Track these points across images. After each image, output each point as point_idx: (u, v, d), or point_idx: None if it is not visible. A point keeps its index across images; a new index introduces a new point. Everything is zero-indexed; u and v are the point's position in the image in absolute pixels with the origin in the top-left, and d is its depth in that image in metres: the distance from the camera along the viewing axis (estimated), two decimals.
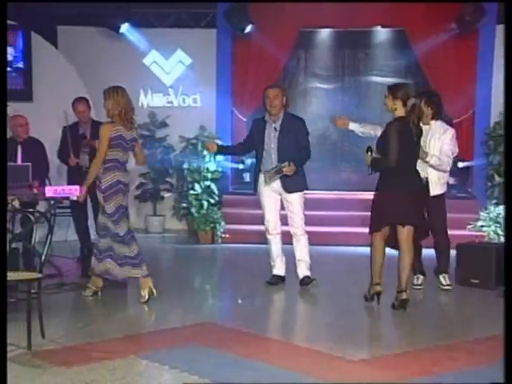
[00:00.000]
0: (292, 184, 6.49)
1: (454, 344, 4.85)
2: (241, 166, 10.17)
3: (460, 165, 9.64)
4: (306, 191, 6.66)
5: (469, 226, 9.04)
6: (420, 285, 6.59)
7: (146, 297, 5.92)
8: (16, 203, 5.14)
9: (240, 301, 6.47)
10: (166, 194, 10.36)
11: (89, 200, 7.12)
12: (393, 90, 5.74)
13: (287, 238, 6.63)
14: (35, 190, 6.65)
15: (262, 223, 6.76)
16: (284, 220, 6.68)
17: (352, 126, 6.51)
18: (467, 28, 9.61)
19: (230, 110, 10.38)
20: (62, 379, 4.03)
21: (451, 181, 9.84)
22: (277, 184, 6.53)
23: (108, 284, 6.30)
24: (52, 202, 6.73)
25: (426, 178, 6.38)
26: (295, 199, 6.52)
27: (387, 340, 5.10)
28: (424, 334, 5.21)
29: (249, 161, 10.30)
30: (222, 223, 9.30)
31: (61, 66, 9.18)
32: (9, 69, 8.68)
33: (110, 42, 10.08)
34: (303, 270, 6.58)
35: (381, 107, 11.22)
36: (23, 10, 9.14)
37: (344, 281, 7.07)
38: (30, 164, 7.00)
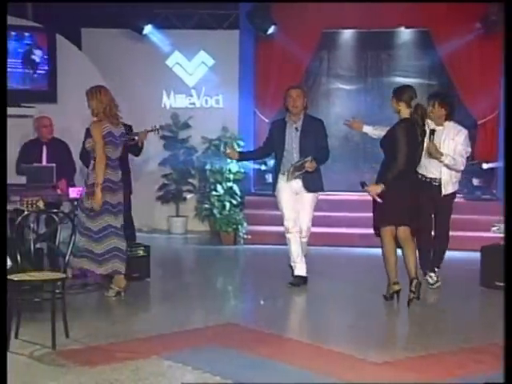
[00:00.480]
0: (312, 184, 6.56)
1: (479, 347, 4.82)
2: (263, 167, 10.17)
3: (485, 166, 9.57)
4: (321, 193, 6.73)
5: (493, 228, 8.91)
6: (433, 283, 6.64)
7: (113, 294, 6.04)
8: (40, 204, 5.19)
9: (262, 302, 6.47)
10: (189, 195, 10.38)
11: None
12: (396, 92, 6.00)
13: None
14: (59, 191, 6.71)
15: (282, 224, 6.78)
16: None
17: (366, 128, 6.66)
18: (492, 28, 9.52)
19: (253, 112, 10.38)
20: (85, 379, 4.06)
21: (476, 182, 9.76)
22: (296, 183, 6.55)
23: (132, 284, 6.35)
24: (75, 203, 6.81)
25: (440, 179, 6.51)
26: (310, 199, 6.59)
27: (411, 342, 5.06)
28: (448, 336, 5.16)
29: (271, 162, 10.29)
30: (244, 224, 9.31)
31: (85, 67, 9.24)
32: (32, 70, 8.79)
33: (133, 43, 10.13)
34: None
35: None
36: (48, 13, 9.23)
37: (366, 282, 7.03)
38: (54, 165, 7.08)
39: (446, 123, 6.54)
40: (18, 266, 4.77)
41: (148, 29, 9.99)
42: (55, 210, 5.70)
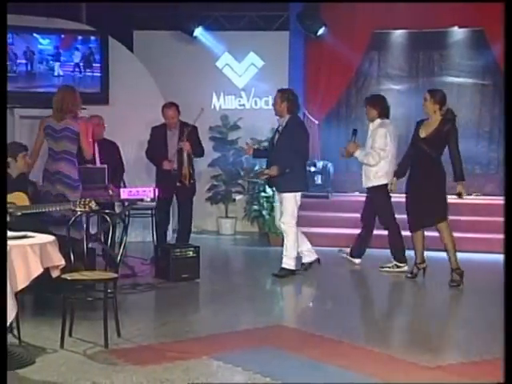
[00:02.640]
0: (281, 185, 6.95)
1: None
2: (312, 169, 10.14)
3: None
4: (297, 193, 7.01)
5: None
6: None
7: None
8: (92, 204, 5.26)
9: (311, 304, 6.46)
10: (238, 196, 10.41)
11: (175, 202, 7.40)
12: (436, 96, 6.78)
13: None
14: (111, 192, 6.79)
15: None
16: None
17: (357, 153, 7.31)
18: None
19: (302, 113, 10.35)
20: (137, 377, 4.10)
21: None
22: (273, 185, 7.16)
23: (182, 284, 6.41)
24: (126, 204, 6.90)
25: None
26: (285, 198, 6.97)
27: (465, 347, 4.97)
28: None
29: (320, 163, 10.28)
30: None
31: (136, 69, 9.35)
32: (85, 73, 8.93)
33: (183, 45, 10.22)
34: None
35: (456, 108, 11.07)
36: (101, 16, 9.38)
37: (420, 286, 6.95)
38: (106, 166, 7.18)
39: (376, 122, 7.30)
40: (71, 266, 4.84)
41: (198, 31, 10.08)
42: (107, 211, 5.77)
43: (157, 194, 6.72)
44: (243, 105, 10.51)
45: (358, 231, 7.69)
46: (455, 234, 6.78)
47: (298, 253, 7.14)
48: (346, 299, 6.48)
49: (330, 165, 10.36)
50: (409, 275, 6.99)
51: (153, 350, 4.65)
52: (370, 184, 7.33)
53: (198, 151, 7.56)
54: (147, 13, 9.85)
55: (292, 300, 6.88)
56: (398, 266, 7.25)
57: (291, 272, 7.05)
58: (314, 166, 10.14)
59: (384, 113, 7.37)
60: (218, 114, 10.24)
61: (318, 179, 10.03)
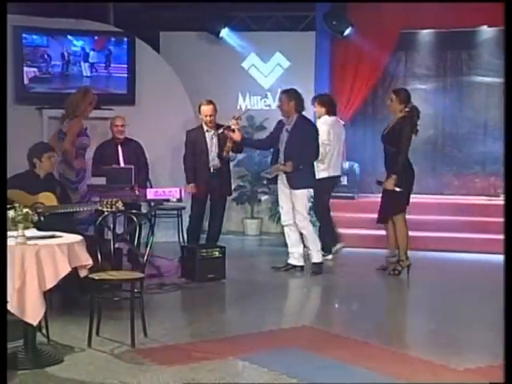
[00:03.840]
0: (294, 182, 7.14)
1: None
2: None
3: None
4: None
5: None
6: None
7: None
8: (119, 204, 5.30)
9: (337, 305, 6.44)
10: (263, 197, 10.41)
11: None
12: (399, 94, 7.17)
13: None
14: (137, 192, 6.84)
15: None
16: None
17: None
18: None
19: None
20: (163, 377, 4.13)
21: None
22: (284, 181, 7.32)
23: (208, 285, 6.43)
24: (153, 204, 6.94)
25: None
26: (298, 195, 7.17)
27: (494, 349, 4.92)
28: None
29: (346, 164, 10.23)
30: None
31: (162, 70, 9.40)
32: (107, 73, 9.00)
33: (209, 46, 10.24)
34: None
35: (485, 108, 10.91)
36: (128, 18, 9.45)
37: (444, 286, 6.91)
38: (132, 167, 7.23)
39: (322, 119, 8.02)
40: (99, 266, 4.88)
41: (225, 31, 10.09)
42: (133, 211, 5.81)
43: (183, 193, 6.77)
44: (269, 105, 10.49)
45: (379, 232, 7.77)
46: (487, 236, 6.75)
47: (291, 252, 7.41)
48: (371, 300, 6.45)
49: (356, 165, 10.32)
50: (391, 272, 7.20)
51: (179, 350, 4.67)
52: (320, 176, 7.83)
53: (239, 148, 7.66)
54: (174, 14, 9.89)
55: (317, 301, 6.87)
56: (323, 255, 7.68)
57: (321, 265, 7.32)
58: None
59: (331, 110, 8.10)
60: (243, 115, 10.23)
61: (344, 180, 9.98)
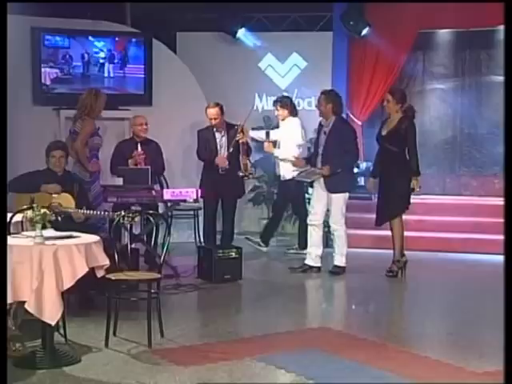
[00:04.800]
0: (332, 185, 7.15)
1: None
2: (355, 170, 10.06)
3: None
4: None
5: None
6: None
7: None
8: (137, 219, 5.31)
9: (354, 306, 6.42)
10: None
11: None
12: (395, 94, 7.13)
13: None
14: (154, 193, 6.85)
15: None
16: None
17: (275, 151, 8.28)
18: None
19: (345, 114, 10.29)
20: (180, 377, 4.14)
21: None
22: (322, 184, 7.34)
23: (225, 285, 6.44)
24: (169, 205, 6.95)
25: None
26: (335, 199, 7.19)
27: None
28: None
29: (364, 164, 10.20)
30: None
31: (179, 70, 9.41)
32: (123, 73, 9.03)
33: (226, 46, 10.24)
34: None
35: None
36: (145, 18, 9.48)
37: (464, 289, 6.87)
38: (149, 167, 7.25)
39: (285, 120, 8.23)
40: (116, 266, 4.90)
41: (241, 32, 10.09)
42: (151, 211, 5.82)
43: (199, 194, 6.78)
44: None
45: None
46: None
47: (309, 252, 7.45)
48: (389, 301, 6.43)
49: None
50: (389, 273, 7.19)
51: (196, 351, 4.68)
52: (288, 177, 8.12)
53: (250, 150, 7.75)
54: (190, 14, 9.91)
55: (335, 302, 6.85)
56: (299, 252, 8.05)
57: (343, 269, 7.29)
58: (358, 167, 10.05)
59: (294, 112, 8.34)
60: (260, 116, 10.22)
61: (361, 181, 9.94)
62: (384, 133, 7.17)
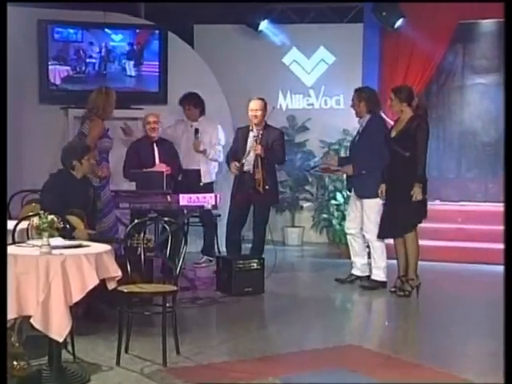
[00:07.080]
0: (360, 190, 7.25)
1: None
2: None
3: None
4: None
5: None
6: None
7: None
8: (151, 244, 5.33)
9: (387, 323, 6.39)
10: (305, 204, 10.40)
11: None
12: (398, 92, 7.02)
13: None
14: (169, 198, 6.85)
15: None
16: None
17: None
18: None
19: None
20: None
21: None
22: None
23: (245, 299, 6.44)
24: (186, 211, 6.96)
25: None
26: (365, 204, 7.19)
27: None
28: None
29: None
30: None
31: (196, 66, 9.44)
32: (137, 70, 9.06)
33: (247, 40, 10.26)
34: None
35: None
36: (160, 10, 9.51)
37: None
38: (163, 171, 7.29)
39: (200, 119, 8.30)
40: (128, 277, 4.92)
41: (264, 24, 10.10)
42: (166, 219, 5.84)
43: (218, 200, 6.80)
44: (312, 104, 10.49)
45: (433, 243, 7.71)
46: None
47: (353, 261, 7.51)
48: (424, 319, 6.38)
49: None
50: (392, 289, 7.10)
51: (214, 370, 4.68)
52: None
53: (278, 157, 7.64)
54: (209, 5, 9.94)
55: (364, 318, 6.82)
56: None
57: (382, 284, 7.25)
58: None
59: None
60: (284, 115, 10.24)
61: None
62: (393, 134, 6.98)
